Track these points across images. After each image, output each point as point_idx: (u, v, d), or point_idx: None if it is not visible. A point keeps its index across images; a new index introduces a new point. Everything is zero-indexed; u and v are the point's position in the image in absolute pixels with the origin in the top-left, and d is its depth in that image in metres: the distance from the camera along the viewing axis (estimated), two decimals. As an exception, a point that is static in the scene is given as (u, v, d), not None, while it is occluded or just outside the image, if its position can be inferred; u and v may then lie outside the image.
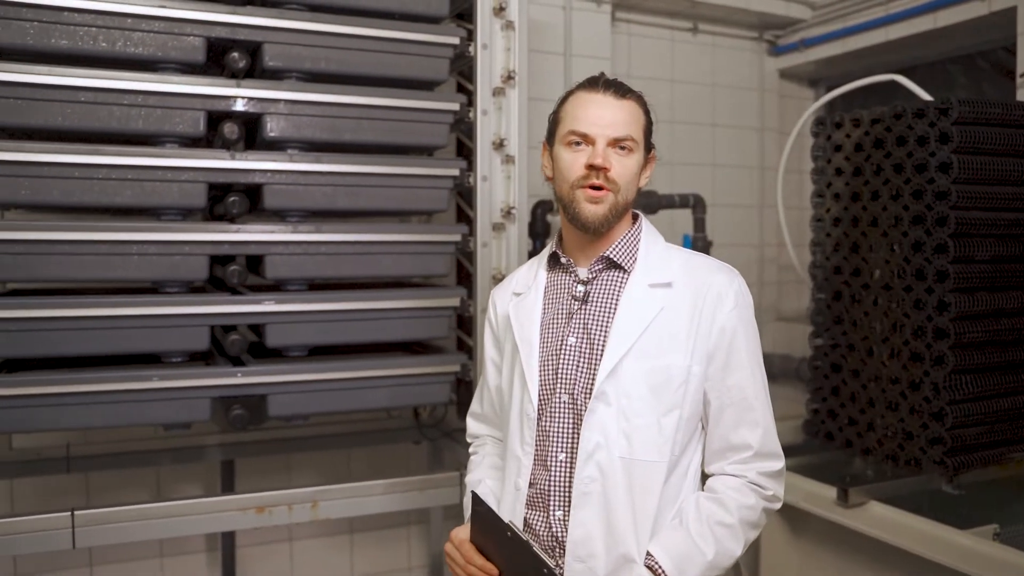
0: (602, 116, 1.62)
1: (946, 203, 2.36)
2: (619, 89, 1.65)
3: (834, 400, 2.77)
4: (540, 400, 1.67)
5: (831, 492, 2.49)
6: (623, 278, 1.68)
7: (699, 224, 3.53)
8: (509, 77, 2.65)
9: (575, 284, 1.71)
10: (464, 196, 2.85)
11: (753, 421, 1.64)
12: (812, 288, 2.93)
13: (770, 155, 4.35)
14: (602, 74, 1.68)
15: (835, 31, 3.96)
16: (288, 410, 2.50)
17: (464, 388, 2.78)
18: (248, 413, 2.49)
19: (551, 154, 1.71)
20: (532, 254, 2.89)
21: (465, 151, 2.92)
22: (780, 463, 1.67)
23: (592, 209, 1.62)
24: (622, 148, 1.63)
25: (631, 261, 1.69)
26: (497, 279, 2.67)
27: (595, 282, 1.69)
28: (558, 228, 3.52)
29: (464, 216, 2.90)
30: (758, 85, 4.31)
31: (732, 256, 4.07)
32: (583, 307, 1.68)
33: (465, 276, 2.89)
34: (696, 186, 3.87)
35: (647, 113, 1.69)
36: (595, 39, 3.69)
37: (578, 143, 1.63)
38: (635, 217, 1.76)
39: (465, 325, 2.86)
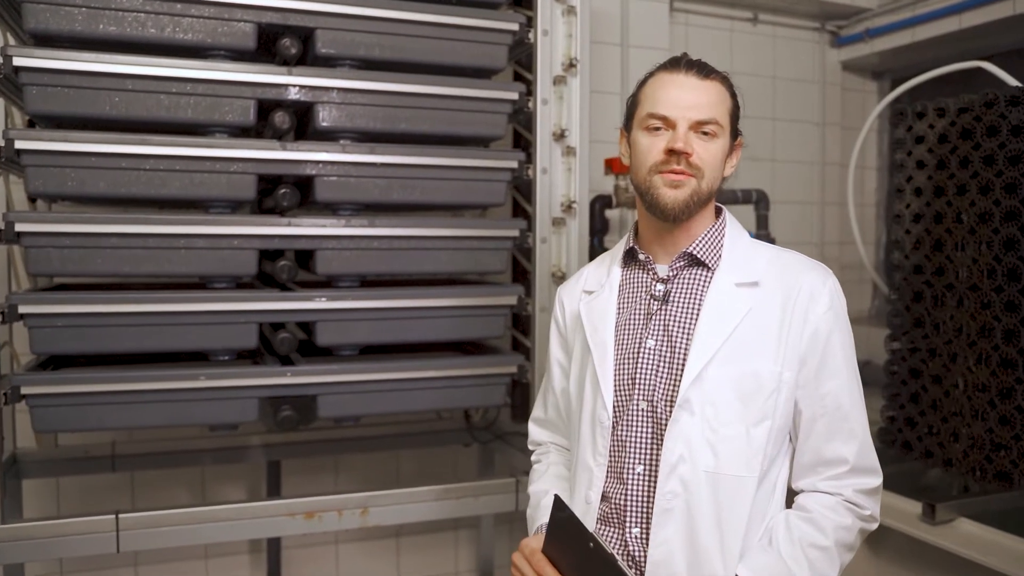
0: (684, 98, 1.49)
1: (1044, 198, 2.19)
2: (702, 69, 1.52)
3: (913, 408, 2.60)
4: (615, 407, 1.55)
5: (915, 507, 2.33)
6: (707, 276, 1.55)
7: (762, 221, 3.38)
8: (571, 65, 2.53)
9: (654, 283, 1.58)
10: (521, 190, 2.73)
11: (849, 432, 1.50)
12: (888, 289, 2.76)
13: (831, 150, 4.19)
14: (684, 55, 1.55)
15: (903, 20, 3.78)
16: (339, 411, 2.41)
17: (520, 390, 2.67)
18: (297, 414, 2.40)
19: (629, 140, 1.59)
20: (590, 251, 2.76)
21: (522, 143, 2.80)
22: (878, 479, 1.53)
23: (672, 194, 1.49)
24: (705, 132, 1.50)
25: (715, 258, 1.56)
26: (556, 276, 2.55)
27: (676, 280, 1.57)
28: (618, 222, 3.42)
29: (520, 210, 2.78)
30: (819, 78, 4.16)
31: (793, 255, 3.93)
32: (663, 307, 1.55)
33: (521, 273, 2.78)
34: (755, 182, 3.73)
35: (734, 96, 1.56)
36: (653, 29, 3.57)
37: (658, 127, 1.51)
38: (718, 211, 1.63)
39: (521, 324, 2.75)
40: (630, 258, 1.65)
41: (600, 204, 3.10)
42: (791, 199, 4.06)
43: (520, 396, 2.67)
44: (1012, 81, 2.54)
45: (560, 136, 2.54)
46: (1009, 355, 2.28)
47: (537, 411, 1.88)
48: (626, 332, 1.57)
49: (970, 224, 2.39)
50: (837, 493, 1.50)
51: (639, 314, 1.58)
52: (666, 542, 1.46)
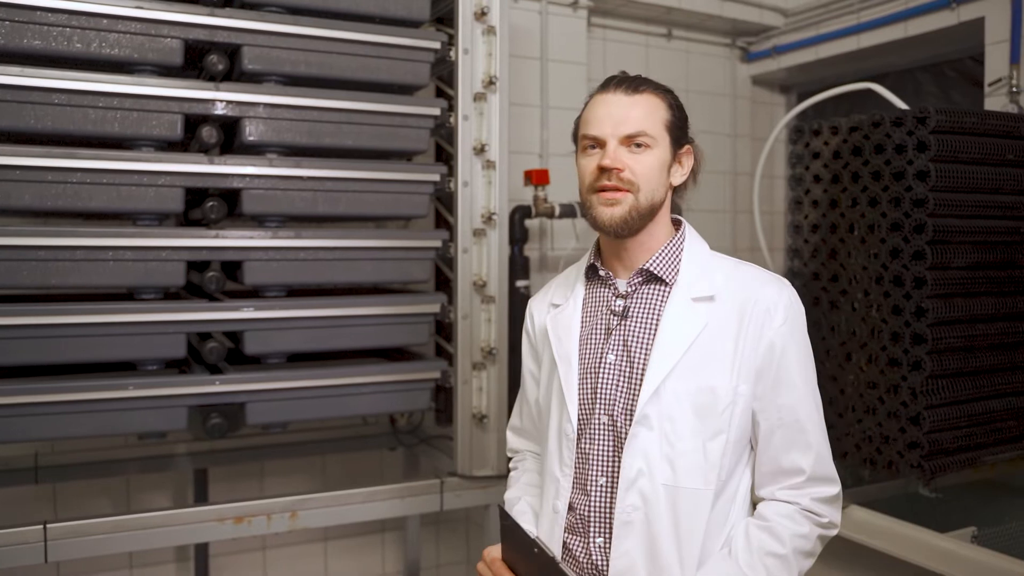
0: (611, 115, 1.51)
1: (923, 210, 2.38)
2: (632, 84, 1.53)
3: (812, 405, 2.79)
4: (579, 420, 1.58)
5: (811, 497, 2.50)
6: (664, 292, 1.57)
7: (675, 229, 3.53)
8: (491, 82, 2.63)
9: (614, 298, 1.61)
10: (444, 201, 2.83)
11: (805, 444, 1.51)
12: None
13: (742, 161, 4.38)
14: (621, 73, 1.59)
15: (807, 38, 4.00)
16: (267, 418, 2.47)
17: (443, 395, 2.76)
18: (226, 422, 2.45)
19: (576, 162, 1.63)
20: (511, 260, 2.88)
21: (444, 156, 2.90)
22: (836, 488, 1.54)
23: (608, 212, 1.52)
24: (637, 145, 1.51)
25: (673, 273, 1.58)
26: (478, 284, 2.66)
27: (635, 296, 1.59)
28: (537, 231, 3.53)
29: (442, 222, 2.88)
30: (731, 91, 4.35)
31: (706, 261, 4.11)
32: (623, 323, 1.58)
33: (444, 282, 2.87)
34: (671, 191, 3.89)
35: (672, 106, 1.56)
36: (571, 44, 3.69)
37: (593, 146, 1.54)
38: (677, 223, 1.66)
39: (444, 331, 2.84)
40: (592, 273, 1.67)
41: (520, 214, 3.20)
42: (704, 207, 4.23)
43: (444, 400, 2.76)
44: (898, 102, 2.74)
45: (480, 150, 2.64)
46: (895, 355, 2.47)
47: (514, 420, 1.91)
48: (588, 346, 1.60)
49: (861, 234, 2.58)
50: (795, 502, 1.52)
51: (600, 329, 1.61)
52: (627, 553, 1.50)
